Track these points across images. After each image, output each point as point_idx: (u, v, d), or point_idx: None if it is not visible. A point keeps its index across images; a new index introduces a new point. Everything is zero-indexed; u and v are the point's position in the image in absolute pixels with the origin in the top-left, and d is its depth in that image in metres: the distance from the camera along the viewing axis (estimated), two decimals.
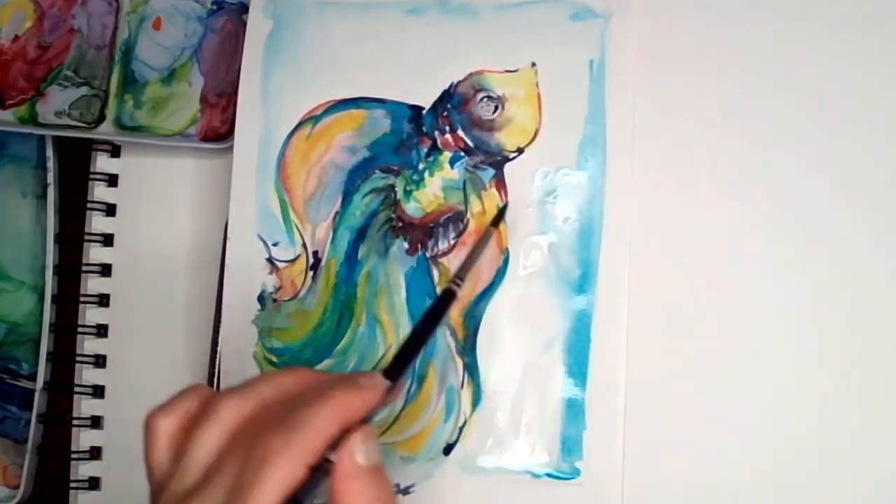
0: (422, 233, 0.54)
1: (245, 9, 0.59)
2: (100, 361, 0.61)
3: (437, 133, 0.55)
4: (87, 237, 0.61)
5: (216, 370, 0.55)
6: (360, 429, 0.40)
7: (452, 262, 0.54)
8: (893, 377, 0.51)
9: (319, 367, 0.54)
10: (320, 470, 0.38)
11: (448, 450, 0.52)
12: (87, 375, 0.61)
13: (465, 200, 0.54)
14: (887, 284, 0.51)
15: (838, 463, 0.50)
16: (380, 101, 0.55)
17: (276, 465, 0.37)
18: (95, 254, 0.61)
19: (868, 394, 0.50)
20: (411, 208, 0.54)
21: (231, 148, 0.56)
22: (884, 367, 0.51)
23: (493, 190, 0.54)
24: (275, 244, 0.55)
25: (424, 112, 0.55)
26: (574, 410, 0.52)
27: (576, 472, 0.51)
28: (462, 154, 0.54)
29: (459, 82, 0.54)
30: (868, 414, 0.50)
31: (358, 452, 0.41)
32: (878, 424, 0.50)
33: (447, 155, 0.54)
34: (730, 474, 0.51)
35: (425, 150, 0.55)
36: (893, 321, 0.51)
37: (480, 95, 0.54)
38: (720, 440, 0.51)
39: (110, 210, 0.61)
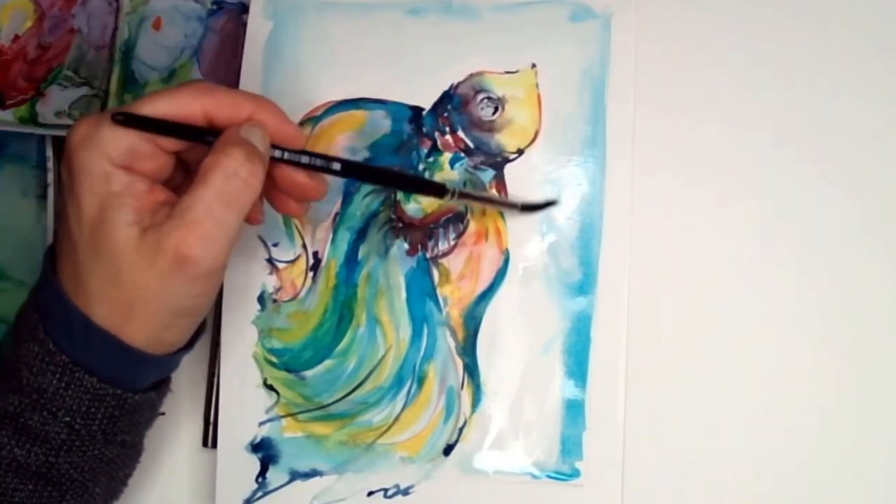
0: (422, 233, 0.54)
1: (245, 9, 0.58)
2: None
3: (437, 134, 0.55)
4: None
5: (216, 370, 0.55)
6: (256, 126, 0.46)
7: (452, 263, 0.54)
8: (894, 377, 0.51)
9: (319, 367, 0.54)
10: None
11: (448, 450, 0.52)
12: None
13: None
14: (888, 284, 0.51)
15: (838, 463, 0.50)
16: (380, 102, 0.55)
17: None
18: None
19: (868, 394, 0.51)
20: (411, 209, 0.54)
21: None
22: (884, 367, 0.51)
23: (494, 191, 0.54)
24: (275, 245, 0.55)
25: (424, 113, 0.55)
26: (574, 411, 0.52)
27: (576, 473, 0.51)
28: (462, 155, 0.54)
29: (459, 83, 0.55)
30: (868, 414, 0.50)
31: (245, 129, 0.45)
32: (879, 424, 0.50)
33: (447, 156, 0.54)
34: (730, 474, 0.51)
35: (425, 150, 0.55)
36: (894, 322, 0.51)
37: (480, 96, 0.54)
38: (720, 440, 0.51)
39: None
